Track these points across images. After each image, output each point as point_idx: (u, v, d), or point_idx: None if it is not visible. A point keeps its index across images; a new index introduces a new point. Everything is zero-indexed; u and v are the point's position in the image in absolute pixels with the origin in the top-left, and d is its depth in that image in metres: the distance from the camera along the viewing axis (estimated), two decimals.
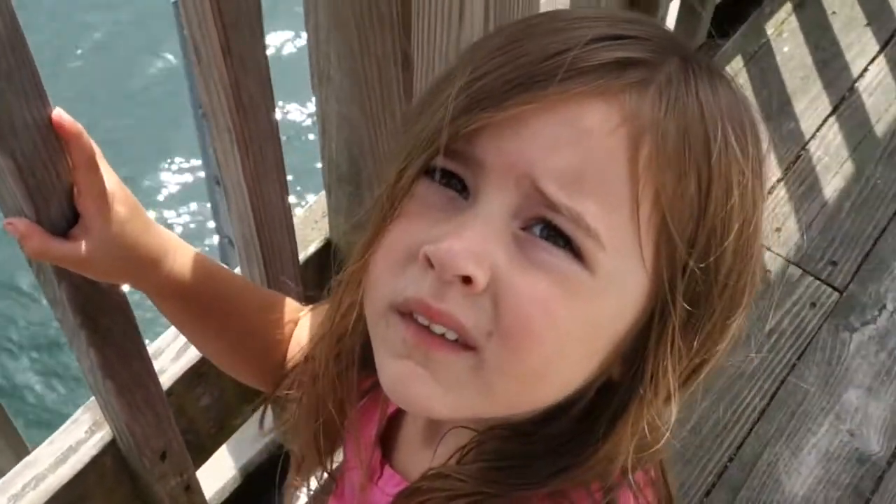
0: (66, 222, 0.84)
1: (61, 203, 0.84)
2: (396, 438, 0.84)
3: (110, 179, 0.84)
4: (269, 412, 0.99)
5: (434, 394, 0.63)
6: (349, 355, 0.79)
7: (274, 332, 0.95)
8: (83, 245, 0.82)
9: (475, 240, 0.59)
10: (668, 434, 0.70)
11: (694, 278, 0.61)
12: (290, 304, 0.99)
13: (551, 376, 0.63)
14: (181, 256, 0.90)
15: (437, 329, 0.61)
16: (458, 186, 0.62)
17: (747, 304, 0.66)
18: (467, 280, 0.59)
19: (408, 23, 1.02)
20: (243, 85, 1.00)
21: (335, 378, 0.81)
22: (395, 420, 0.84)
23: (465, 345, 0.61)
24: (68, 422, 1.28)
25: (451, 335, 0.61)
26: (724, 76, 0.65)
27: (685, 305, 0.61)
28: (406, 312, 0.62)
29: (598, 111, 0.58)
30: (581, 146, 0.58)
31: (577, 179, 0.58)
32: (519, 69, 0.60)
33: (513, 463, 0.67)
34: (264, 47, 1.00)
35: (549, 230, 0.60)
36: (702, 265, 0.61)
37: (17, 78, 0.75)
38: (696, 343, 0.63)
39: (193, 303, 0.91)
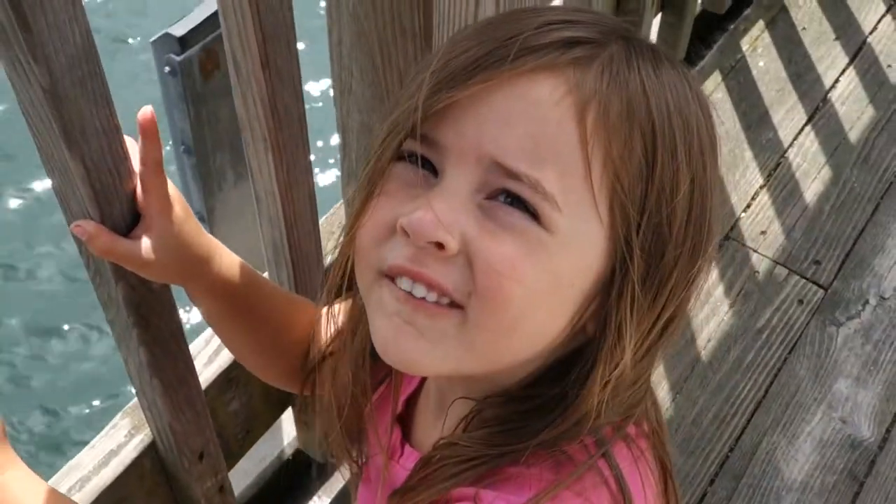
0: (125, 225, 0.91)
1: (122, 206, 0.90)
2: (413, 419, 0.90)
3: (168, 183, 0.91)
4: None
5: (420, 348, 0.69)
6: (361, 347, 0.87)
7: (300, 332, 1.01)
8: (145, 243, 0.89)
9: (444, 210, 0.65)
10: (647, 390, 0.76)
11: (648, 233, 0.67)
12: (311, 305, 1.05)
13: (524, 328, 0.69)
14: (226, 258, 0.96)
15: (419, 291, 0.68)
16: (429, 167, 0.69)
17: (707, 259, 0.72)
18: (440, 246, 0.66)
19: (429, 34, 1.10)
20: (279, 95, 1.08)
21: (351, 370, 0.88)
22: (411, 401, 0.90)
23: (452, 305, 0.68)
24: (108, 427, 1.33)
25: (433, 297, 0.67)
26: (668, 58, 0.71)
27: (642, 260, 0.67)
28: (391, 278, 0.69)
29: (546, 84, 0.65)
30: (532, 116, 0.65)
31: (532, 148, 0.65)
32: (478, 53, 0.67)
33: (510, 426, 0.73)
34: (298, 60, 1.08)
35: (511, 197, 0.66)
36: (655, 220, 0.67)
37: (90, 86, 0.82)
38: (657, 296, 0.69)
39: (236, 302, 0.97)
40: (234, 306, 0.98)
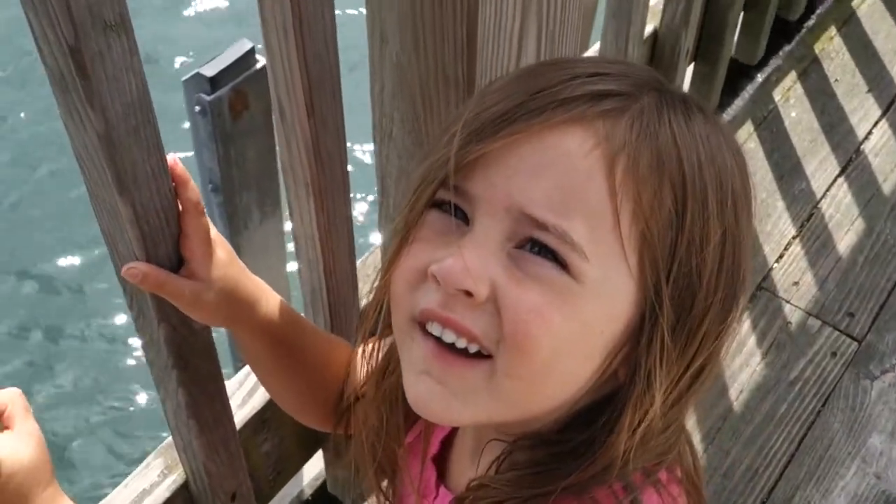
0: (170, 266, 0.92)
1: (167, 248, 0.91)
2: (449, 459, 0.91)
3: (210, 226, 0.93)
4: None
5: (451, 405, 0.71)
6: (393, 388, 0.88)
7: (336, 372, 1.03)
8: (192, 287, 0.90)
9: (473, 258, 0.67)
10: (679, 437, 0.76)
11: (678, 283, 0.68)
12: (348, 346, 1.07)
13: (553, 375, 0.70)
14: (272, 299, 0.97)
15: (448, 337, 0.69)
16: (462, 215, 0.71)
17: (739, 311, 0.73)
18: (469, 294, 0.67)
19: (472, 82, 1.11)
20: (322, 142, 1.09)
21: (384, 412, 0.89)
22: (447, 442, 0.91)
23: (480, 355, 0.69)
24: (141, 466, 1.34)
25: (462, 343, 0.69)
26: (700, 109, 0.72)
27: (671, 309, 0.68)
28: (422, 323, 0.71)
29: (575, 136, 0.67)
30: (561, 168, 0.66)
31: (560, 199, 0.66)
32: (508, 105, 0.69)
33: (540, 469, 0.74)
34: (342, 107, 1.10)
35: (539, 247, 0.67)
36: (685, 270, 0.67)
37: (143, 133, 0.84)
38: (688, 345, 0.70)
39: (278, 343, 0.98)
40: (276, 347, 0.99)
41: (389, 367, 0.89)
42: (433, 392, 0.71)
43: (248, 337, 0.97)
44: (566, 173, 0.66)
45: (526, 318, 0.66)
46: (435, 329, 0.70)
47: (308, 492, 1.82)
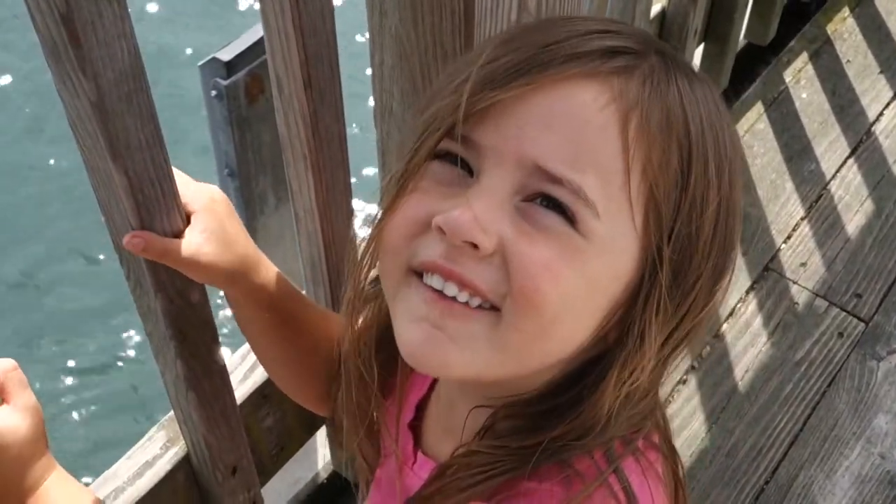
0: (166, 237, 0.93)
1: (163, 218, 0.92)
2: (424, 425, 0.90)
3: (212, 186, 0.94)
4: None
5: (449, 352, 0.69)
6: (368, 344, 0.87)
7: (332, 348, 1.01)
8: (195, 238, 0.90)
9: (481, 209, 0.66)
10: (656, 397, 0.77)
11: (678, 244, 0.68)
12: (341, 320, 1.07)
13: (558, 331, 0.69)
14: (270, 267, 0.97)
15: (450, 290, 0.68)
16: (465, 166, 0.69)
17: (729, 276, 0.73)
18: (475, 246, 0.66)
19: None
20: (320, 116, 1.09)
21: (360, 370, 0.87)
22: (422, 407, 0.90)
23: (486, 307, 0.68)
24: (143, 439, 1.35)
25: (464, 296, 0.67)
26: (700, 76, 0.73)
27: (670, 269, 0.68)
28: (420, 274, 0.69)
29: (590, 90, 0.66)
30: (575, 121, 0.66)
31: (574, 153, 0.65)
32: (520, 57, 0.68)
33: (525, 432, 0.73)
34: (340, 81, 1.10)
35: (548, 201, 0.66)
36: (685, 231, 0.68)
37: (136, 101, 0.84)
38: (681, 305, 0.70)
39: (274, 311, 0.98)
40: (272, 315, 0.99)
41: (366, 324, 0.87)
42: (429, 336, 0.69)
43: (244, 300, 0.96)
44: (580, 127, 0.65)
45: (535, 273, 0.66)
46: (435, 282, 0.68)
47: (323, 475, 1.83)
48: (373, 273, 0.81)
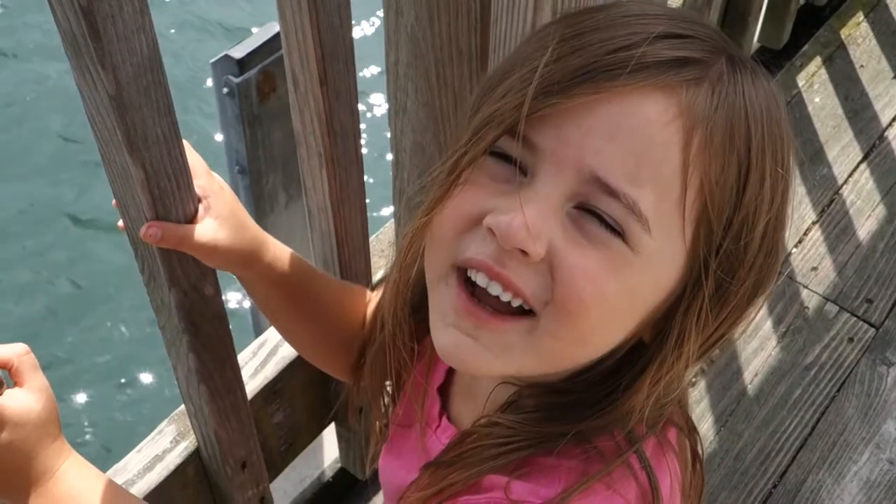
0: None
1: (177, 212, 0.92)
2: (451, 392, 0.91)
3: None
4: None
5: (481, 357, 0.70)
6: (404, 308, 0.87)
7: (356, 318, 1.03)
8: (210, 224, 0.91)
9: (534, 216, 0.66)
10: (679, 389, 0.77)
11: (726, 258, 0.68)
12: (366, 292, 1.07)
13: (594, 339, 0.70)
14: (279, 245, 0.98)
15: (494, 290, 0.68)
16: (520, 166, 0.69)
17: (770, 288, 0.73)
18: (525, 252, 0.66)
19: (485, 56, 1.11)
20: (336, 113, 1.10)
21: (394, 332, 0.88)
22: (448, 375, 0.91)
23: (522, 311, 0.69)
24: (154, 432, 1.36)
25: (506, 297, 0.68)
26: (764, 73, 0.72)
27: (714, 280, 0.68)
28: (464, 269, 0.70)
29: (657, 103, 0.65)
30: (639, 135, 0.65)
31: (635, 167, 0.65)
32: (586, 60, 0.66)
33: (548, 414, 0.74)
34: (356, 79, 1.10)
35: (602, 212, 0.66)
36: (734, 246, 0.68)
37: (154, 94, 0.85)
38: (721, 315, 0.71)
39: (291, 288, 0.99)
40: (290, 292, 0.99)
41: (406, 287, 0.87)
42: (463, 344, 0.70)
43: (260, 281, 0.97)
44: (643, 141, 0.65)
45: (581, 285, 0.66)
46: (480, 279, 0.69)
47: (329, 473, 1.84)
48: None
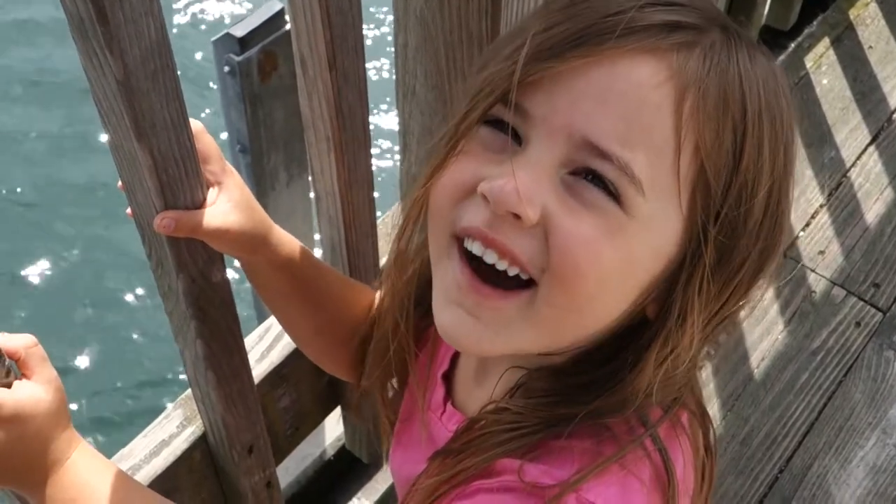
0: None
1: (186, 198, 0.91)
2: (455, 378, 0.90)
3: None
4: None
5: (482, 337, 0.70)
6: (408, 296, 0.87)
7: (358, 315, 1.02)
8: (222, 206, 0.91)
9: (526, 181, 0.65)
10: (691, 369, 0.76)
11: (725, 225, 0.67)
12: (369, 290, 1.06)
13: (594, 307, 0.69)
14: (284, 233, 0.98)
15: (490, 258, 0.68)
16: (513, 133, 0.68)
17: (776, 262, 0.72)
18: (518, 216, 0.66)
19: (495, 39, 1.10)
20: (344, 95, 1.08)
21: (396, 317, 0.89)
22: (453, 361, 0.91)
23: (518, 279, 0.68)
24: (160, 417, 1.35)
25: (503, 265, 0.68)
26: (761, 49, 0.71)
27: (715, 250, 0.67)
28: (461, 239, 0.70)
29: (647, 66, 0.65)
30: (630, 98, 0.65)
31: (625, 130, 0.64)
32: (578, 27, 0.66)
33: (556, 398, 0.74)
34: (364, 62, 1.09)
35: (594, 176, 0.66)
36: (734, 213, 0.67)
37: (162, 79, 0.83)
38: (726, 285, 0.69)
39: (295, 277, 0.98)
40: (293, 281, 0.99)
41: (407, 267, 0.88)
42: (464, 323, 0.70)
43: (265, 268, 0.97)
44: (635, 104, 0.65)
45: (576, 250, 0.66)
46: (476, 248, 0.69)
47: (330, 452, 1.84)
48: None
